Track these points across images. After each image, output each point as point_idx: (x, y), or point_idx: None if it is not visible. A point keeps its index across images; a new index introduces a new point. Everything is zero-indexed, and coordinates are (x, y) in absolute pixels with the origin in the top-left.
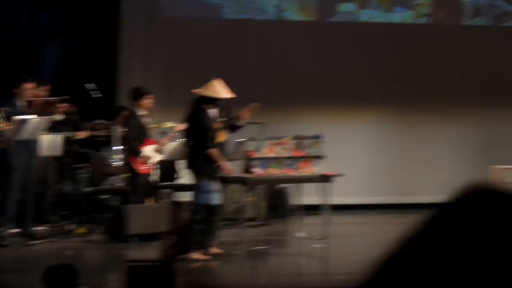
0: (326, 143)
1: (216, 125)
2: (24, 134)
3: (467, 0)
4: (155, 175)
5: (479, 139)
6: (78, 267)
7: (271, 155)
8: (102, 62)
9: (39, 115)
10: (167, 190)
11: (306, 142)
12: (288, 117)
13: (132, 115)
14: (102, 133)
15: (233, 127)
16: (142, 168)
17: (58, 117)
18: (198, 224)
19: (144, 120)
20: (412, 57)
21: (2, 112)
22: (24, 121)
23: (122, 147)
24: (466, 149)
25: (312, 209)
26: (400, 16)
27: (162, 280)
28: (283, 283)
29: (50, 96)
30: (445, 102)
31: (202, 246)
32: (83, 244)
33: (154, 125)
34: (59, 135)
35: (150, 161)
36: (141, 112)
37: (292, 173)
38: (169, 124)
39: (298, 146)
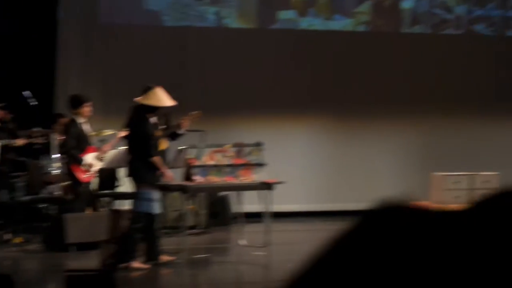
0: (266, 151)
1: (156, 133)
2: None
3: (406, 8)
4: (94, 183)
5: (419, 146)
6: (15, 277)
7: (212, 162)
8: (39, 69)
9: None
10: (107, 199)
11: (247, 149)
12: (229, 124)
13: (72, 122)
14: (39, 140)
15: (173, 135)
16: (84, 176)
17: None
18: (138, 232)
19: (84, 128)
20: (352, 65)
21: None
22: None
23: (61, 155)
24: (406, 156)
25: (253, 217)
26: (339, 24)
27: None
28: None
29: None
30: (385, 109)
31: (147, 255)
32: (20, 253)
33: (94, 133)
34: None
35: (92, 169)
36: (80, 119)
37: (232, 180)
38: (108, 132)
39: (238, 154)
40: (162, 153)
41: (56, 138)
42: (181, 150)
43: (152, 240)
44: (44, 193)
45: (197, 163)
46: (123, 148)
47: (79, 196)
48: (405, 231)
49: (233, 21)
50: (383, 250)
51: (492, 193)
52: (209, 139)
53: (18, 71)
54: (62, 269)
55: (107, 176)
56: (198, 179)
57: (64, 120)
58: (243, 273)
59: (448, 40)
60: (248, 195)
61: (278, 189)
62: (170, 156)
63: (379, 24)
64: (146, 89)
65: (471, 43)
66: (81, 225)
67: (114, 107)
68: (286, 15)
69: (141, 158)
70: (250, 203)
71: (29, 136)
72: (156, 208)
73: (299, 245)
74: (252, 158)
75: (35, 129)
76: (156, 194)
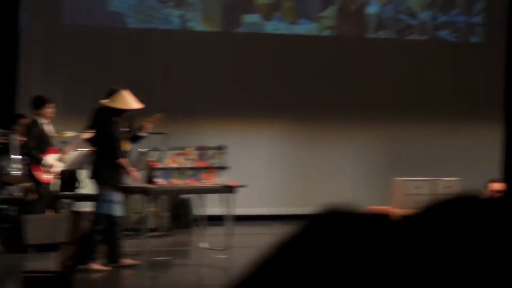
0: (229, 154)
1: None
2: None
3: (371, 14)
4: (55, 185)
5: (381, 151)
6: None
7: (174, 165)
8: (0, 69)
9: None
10: (68, 200)
11: (210, 152)
12: (192, 127)
13: (33, 123)
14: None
15: (135, 138)
16: (45, 177)
17: None
18: (98, 234)
19: (46, 129)
20: (316, 69)
21: None
22: None
23: (22, 156)
24: (370, 161)
25: (215, 220)
26: (304, 28)
27: None
28: None
29: None
30: (347, 114)
31: (107, 257)
32: None
33: (55, 134)
34: None
35: (53, 170)
36: (42, 120)
37: (195, 183)
38: (70, 133)
39: (201, 157)
40: (124, 155)
41: (17, 139)
42: (143, 153)
43: (113, 242)
44: (4, 194)
45: (159, 165)
46: (85, 150)
47: (39, 197)
48: (344, 236)
49: (198, 24)
50: (320, 255)
51: (439, 199)
52: (172, 142)
53: None
54: (21, 270)
55: (68, 178)
56: (160, 181)
57: (25, 121)
58: (204, 276)
59: (412, 45)
60: (210, 198)
61: (240, 192)
62: (132, 158)
63: (344, 29)
64: (110, 91)
65: (435, 49)
66: (41, 226)
67: (77, 109)
68: (250, 19)
69: (106, 160)
70: (212, 206)
71: None
72: (118, 210)
73: (260, 248)
74: (215, 161)
75: None
76: (118, 196)
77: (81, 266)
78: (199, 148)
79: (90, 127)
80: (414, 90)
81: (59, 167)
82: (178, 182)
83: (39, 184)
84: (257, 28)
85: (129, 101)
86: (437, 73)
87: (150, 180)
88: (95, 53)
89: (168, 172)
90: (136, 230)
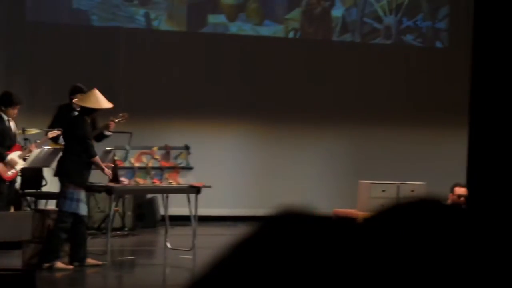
0: (194, 154)
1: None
2: None
3: (336, 17)
4: (18, 182)
5: (348, 154)
6: None
7: (138, 164)
8: None
9: None
10: (32, 198)
11: (174, 152)
12: (157, 127)
13: None
14: None
15: (99, 137)
16: (7, 174)
17: None
18: (62, 232)
19: (10, 125)
20: (282, 70)
21: None
22: None
23: None
24: (336, 163)
25: (180, 220)
26: (269, 29)
27: None
28: None
29: None
30: (314, 116)
31: (72, 255)
32: None
33: (18, 131)
34: None
35: (16, 167)
36: (6, 117)
37: (159, 183)
38: (33, 131)
39: (166, 157)
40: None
41: None
42: (108, 151)
43: (78, 241)
44: None
45: (124, 164)
46: (48, 147)
47: (2, 194)
48: (294, 237)
49: (163, 24)
50: (270, 255)
51: (394, 202)
52: (136, 141)
53: None
54: None
55: (33, 175)
56: (125, 180)
57: None
58: (169, 276)
59: (377, 49)
60: (175, 198)
61: (204, 192)
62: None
63: (310, 31)
64: (73, 89)
65: (400, 53)
66: (3, 223)
67: (40, 106)
68: (215, 19)
69: (74, 158)
70: (176, 206)
71: None
72: (83, 209)
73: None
74: (180, 161)
75: None
76: (82, 195)
77: (45, 265)
78: (163, 148)
79: (55, 125)
80: (379, 94)
81: (22, 164)
82: (142, 181)
83: (2, 181)
84: (222, 28)
85: (100, 100)
86: (402, 77)
87: (114, 179)
88: (59, 50)
89: (132, 171)
90: (100, 229)
